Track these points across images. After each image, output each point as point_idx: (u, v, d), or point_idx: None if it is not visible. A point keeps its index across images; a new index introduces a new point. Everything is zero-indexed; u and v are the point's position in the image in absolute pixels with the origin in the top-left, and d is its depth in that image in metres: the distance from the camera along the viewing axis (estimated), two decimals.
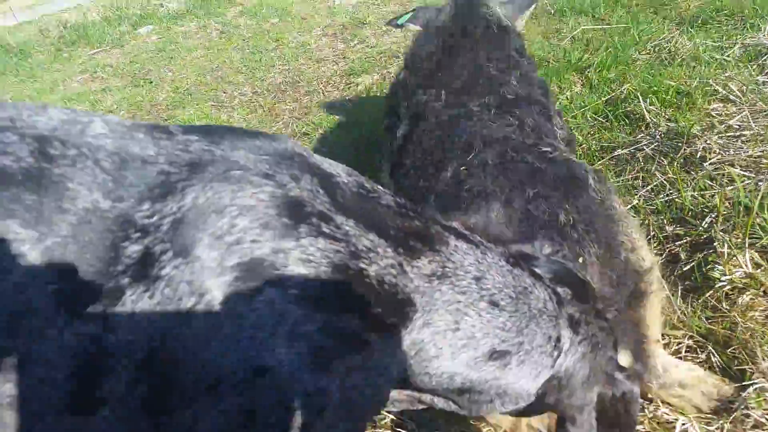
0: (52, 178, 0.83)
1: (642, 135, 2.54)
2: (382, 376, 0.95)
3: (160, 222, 0.84)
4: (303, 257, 0.86)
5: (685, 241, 2.00)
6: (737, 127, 2.43)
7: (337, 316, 0.88)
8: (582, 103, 2.91)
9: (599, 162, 2.50)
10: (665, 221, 2.10)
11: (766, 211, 1.89)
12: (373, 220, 0.97)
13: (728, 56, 2.97)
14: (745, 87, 2.67)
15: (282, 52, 4.21)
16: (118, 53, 5.21)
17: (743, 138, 2.37)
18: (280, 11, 5.18)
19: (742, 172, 2.17)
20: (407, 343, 0.96)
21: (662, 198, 2.18)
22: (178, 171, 0.89)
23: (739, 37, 3.16)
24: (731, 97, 2.62)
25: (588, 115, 2.82)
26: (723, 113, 2.56)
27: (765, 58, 2.88)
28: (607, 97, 2.89)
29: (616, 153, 2.51)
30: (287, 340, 0.83)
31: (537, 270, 1.15)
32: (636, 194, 2.25)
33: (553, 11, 3.96)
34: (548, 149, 1.64)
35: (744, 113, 2.46)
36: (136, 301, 0.81)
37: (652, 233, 2.05)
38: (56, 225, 0.81)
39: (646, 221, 2.11)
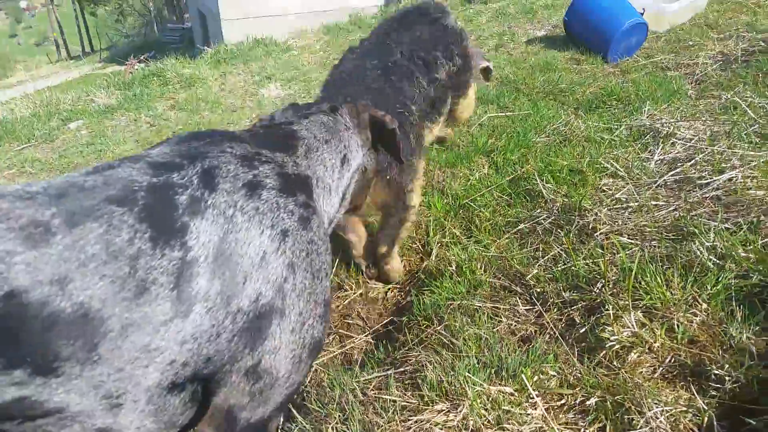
0: None
1: (541, 210, 2.76)
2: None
3: None
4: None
5: (580, 305, 2.15)
6: (624, 199, 2.67)
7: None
8: (489, 183, 3.13)
9: (505, 236, 2.68)
10: (562, 288, 2.26)
11: (647, 275, 2.07)
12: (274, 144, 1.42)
13: (616, 136, 3.29)
14: (630, 164, 2.95)
15: None
16: (47, 148, 5.23)
17: (630, 209, 2.60)
18: (211, 104, 5.36)
19: (629, 240, 2.38)
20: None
21: (560, 267, 2.35)
22: None
23: (625, 119, 3.52)
24: (619, 173, 2.89)
25: (494, 194, 3.03)
26: (612, 187, 2.81)
27: (647, 137, 3.21)
28: (510, 177, 3.13)
29: (519, 227, 2.70)
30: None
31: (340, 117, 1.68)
32: (536, 264, 2.41)
33: None
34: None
35: (629, 187, 2.72)
36: None
37: (550, 300, 2.20)
38: None
39: (546, 289, 2.26)
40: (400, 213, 2.40)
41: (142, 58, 29.23)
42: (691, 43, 4.79)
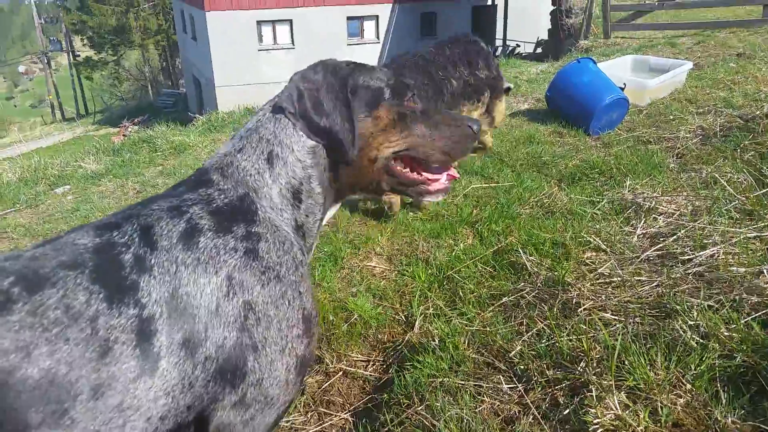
0: None
1: (524, 283, 2.74)
2: None
3: None
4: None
5: (564, 384, 2.10)
6: (607, 274, 2.67)
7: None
8: (473, 254, 3.12)
9: (489, 309, 2.65)
10: (546, 366, 2.21)
11: (631, 354, 2.04)
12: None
13: (598, 209, 3.32)
14: (613, 237, 2.97)
15: None
16: (30, 213, 5.19)
17: (613, 284, 2.60)
18: None
19: (613, 317, 2.35)
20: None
21: (544, 343, 2.31)
22: None
23: (607, 192, 3.56)
24: (602, 246, 2.90)
25: (479, 265, 3.02)
26: (595, 261, 2.81)
27: (629, 211, 3.24)
28: (494, 249, 3.13)
29: (503, 300, 2.67)
30: None
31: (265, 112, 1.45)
32: (520, 340, 2.37)
33: None
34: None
35: (612, 262, 2.72)
36: None
37: (534, 379, 2.15)
38: None
39: (530, 367, 2.22)
40: None
41: (136, 121, 29.66)
42: (671, 117, 4.93)
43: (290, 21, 21.55)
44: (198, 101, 25.74)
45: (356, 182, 1.49)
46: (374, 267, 3.23)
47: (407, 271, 3.12)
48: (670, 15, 12.26)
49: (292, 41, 21.87)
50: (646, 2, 12.40)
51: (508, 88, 4.27)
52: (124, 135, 23.67)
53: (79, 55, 45.07)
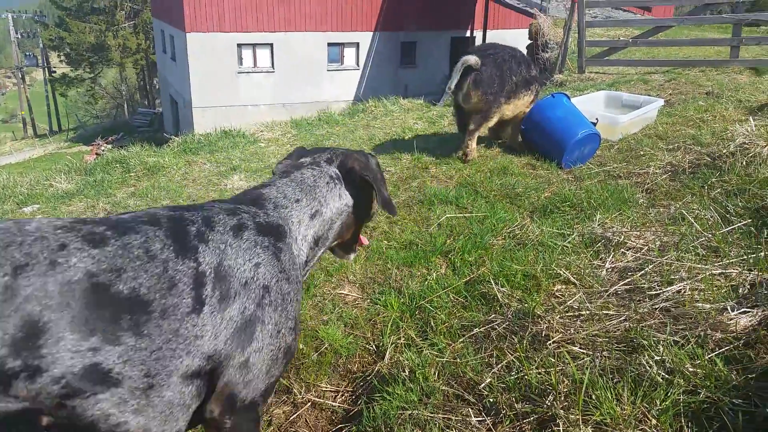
0: None
1: (495, 315, 2.75)
2: None
3: None
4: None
5: (532, 418, 2.11)
6: (576, 307, 2.69)
7: None
8: (446, 284, 3.13)
9: (460, 340, 2.65)
10: (515, 399, 2.21)
11: (598, 388, 2.05)
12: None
13: (568, 242, 3.37)
14: (582, 271, 3.01)
15: None
16: None
17: (582, 317, 2.62)
18: (171, 193, 5.34)
19: (581, 350, 2.37)
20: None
21: (513, 375, 2.32)
22: None
23: (578, 225, 3.62)
24: (571, 279, 2.94)
25: (451, 296, 3.02)
26: (565, 294, 2.84)
27: (599, 245, 3.29)
28: (466, 279, 3.14)
29: (474, 332, 2.68)
30: None
31: (326, 170, 2.02)
32: (490, 372, 2.38)
33: (423, 201, 4.36)
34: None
35: (581, 295, 2.75)
36: None
37: (503, 412, 2.15)
38: None
39: (499, 399, 2.22)
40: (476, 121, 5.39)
41: (110, 139, 29.32)
42: (642, 153, 5.04)
43: (271, 45, 21.68)
44: (174, 121, 25.61)
45: (347, 236, 2.13)
46: (347, 295, 3.22)
47: (380, 299, 3.11)
48: (643, 52, 12.63)
49: (273, 65, 21.96)
50: (621, 39, 12.76)
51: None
52: (97, 153, 23.41)
53: (55, 72, 44.63)
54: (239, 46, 21.29)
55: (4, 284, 1.20)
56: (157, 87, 37.73)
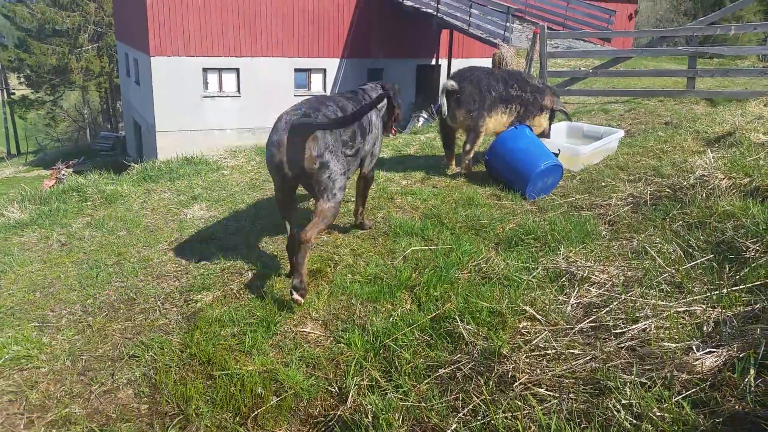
0: None
1: (461, 354, 2.69)
2: None
3: None
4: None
5: None
6: (542, 346, 2.65)
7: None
8: (411, 320, 3.06)
9: (425, 382, 2.57)
10: None
11: None
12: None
13: (533, 277, 3.34)
14: (548, 307, 2.97)
15: (122, 267, 4.13)
16: None
17: (548, 357, 2.58)
18: (129, 223, 5.17)
19: (548, 392, 2.32)
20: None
21: (479, 420, 2.25)
22: None
23: (542, 259, 3.60)
24: (537, 316, 2.90)
25: (416, 333, 2.95)
26: (531, 332, 2.80)
27: (563, 279, 3.27)
28: (432, 315, 3.08)
29: (439, 372, 2.60)
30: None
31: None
32: (456, 416, 2.30)
33: (388, 233, 4.30)
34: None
35: (546, 333, 2.71)
36: None
37: None
38: None
39: None
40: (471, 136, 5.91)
41: (70, 163, 28.62)
42: (603, 184, 5.10)
43: (237, 69, 21.61)
44: (137, 146, 25.20)
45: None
46: (309, 333, 3.12)
47: (343, 337, 3.02)
48: (603, 82, 12.95)
49: (239, 89, 21.87)
50: (581, 69, 13.06)
51: (563, 112, 6.58)
52: (57, 178, 22.78)
53: (14, 93, 43.61)
54: (205, 70, 21.17)
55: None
56: (121, 110, 37.16)
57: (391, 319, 3.13)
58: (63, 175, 22.78)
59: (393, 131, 4.61)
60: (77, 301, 3.70)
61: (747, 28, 11.98)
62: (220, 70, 21.42)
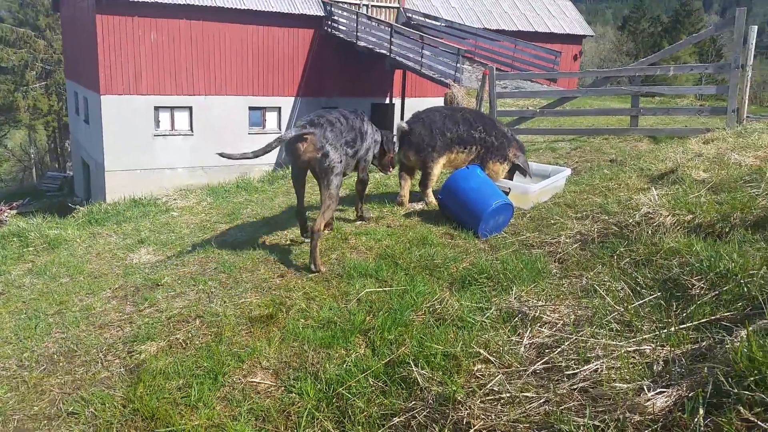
0: None
1: (416, 401, 2.64)
2: None
3: None
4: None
5: None
6: (497, 390, 2.62)
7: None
8: (365, 366, 3.00)
9: (380, 431, 2.51)
10: None
11: None
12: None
13: (487, 318, 3.33)
14: (501, 348, 2.96)
15: (63, 316, 3.94)
16: None
17: (502, 401, 2.55)
18: (72, 269, 4.97)
19: None
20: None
21: None
22: None
23: (495, 298, 3.61)
24: (491, 359, 2.88)
25: (370, 380, 2.89)
26: (485, 374, 2.77)
27: (516, 319, 3.28)
28: (386, 360, 3.02)
29: (394, 421, 2.54)
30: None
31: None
32: None
33: (342, 274, 4.25)
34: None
35: (500, 376, 2.69)
36: None
37: None
38: None
39: None
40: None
41: (14, 204, 27.64)
42: (552, 221, 5.18)
43: (190, 108, 21.43)
44: (86, 186, 24.54)
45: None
46: (258, 383, 3.02)
47: (294, 386, 2.94)
48: (551, 121, 13.35)
49: (191, 127, 21.65)
50: (529, 109, 13.45)
51: (522, 171, 6.49)
52: None
53: None
54: (157, 108, 20.91)
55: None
56: (69, 150, 36.22)
57: (344, 365, 3.07)
58: (6, 217, 21.91)
59: (389, 170, 5.85)
60: (12, 355, 3.50)
61: (684, 69, 12.59)
62: (172, 108, 21.18)
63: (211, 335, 3.51)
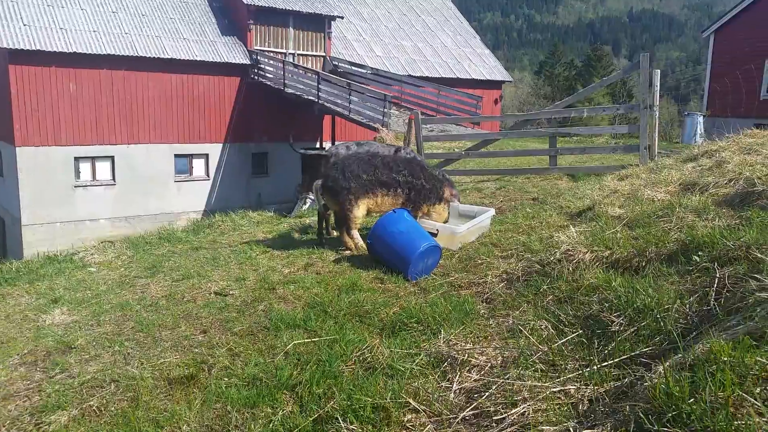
0: None
1: None
2: None
3: None
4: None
5: None
6: None
7: None
8: (292, 424, 2.88)
9: None
10: None
11: None
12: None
13: (416, 364, 3.29)
14: (431, 396, 2.92)
15: None
16: None
17: None
18: None
19: None
20: None
21: None
22: None
23: (425, 343, 3.58)
24: (420, 408, 2.83)
25: None
26: (416, 425, 2.72)
27: (446, 364, 3.25)
28: (314, 417, 2.92)
29: None
30: None
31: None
32: None
33: (269, 327, 4.13)
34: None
35: (430, 426, 2.64)
36: None
37: None
38: None
39: None
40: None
41: None
42: (479, 261, 5.25)
43: (112, 157, 20.80)
44: (0, 242, 23.12)
45: None
46: None
47: None
48: (476, 162, 13.73)
49: (113, 177, 20.97)
50: (455, 151, 13.81)
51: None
52: None
53: None
54: (77, 159, 20.16)
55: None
56: None
57: (270, 425, 2.94)
58: None
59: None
60: None
61: (597, 110, 13.31)
62: (93, 158, 20.47)
63: (127, 400, 3.29)
